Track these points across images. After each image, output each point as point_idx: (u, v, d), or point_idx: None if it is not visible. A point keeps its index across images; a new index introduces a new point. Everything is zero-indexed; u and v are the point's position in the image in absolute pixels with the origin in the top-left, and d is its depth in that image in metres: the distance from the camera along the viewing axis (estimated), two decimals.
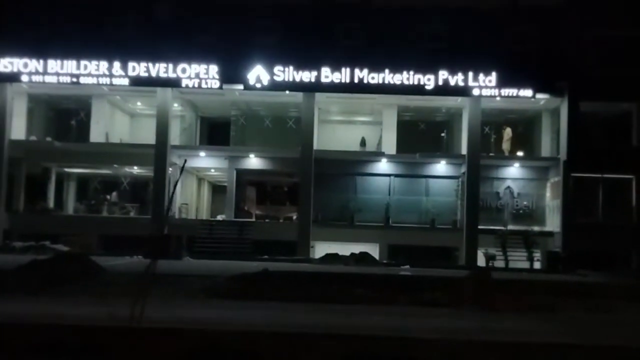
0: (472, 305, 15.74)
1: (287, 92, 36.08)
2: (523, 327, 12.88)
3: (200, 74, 35.26)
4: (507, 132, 38.92)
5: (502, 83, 34.94)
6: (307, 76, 35.26)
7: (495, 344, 9.92)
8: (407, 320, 12.92)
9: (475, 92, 35.05)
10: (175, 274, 20.50)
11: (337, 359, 8.56)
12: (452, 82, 35.04)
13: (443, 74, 34.96)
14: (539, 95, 35.40)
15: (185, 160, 13.23)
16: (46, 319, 10.82)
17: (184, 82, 35.41)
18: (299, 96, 36.36)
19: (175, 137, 38.86)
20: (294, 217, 37.97)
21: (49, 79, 35.51)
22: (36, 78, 35.57)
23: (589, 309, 16.26)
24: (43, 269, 18.56)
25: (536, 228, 36.52)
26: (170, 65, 35.29)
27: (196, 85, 35.46)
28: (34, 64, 35.42)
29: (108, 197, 40.77)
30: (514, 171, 38.04)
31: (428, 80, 35.01)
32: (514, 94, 35.00)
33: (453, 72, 34.93)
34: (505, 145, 38.78)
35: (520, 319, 14.26)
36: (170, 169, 37.26)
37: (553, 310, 16.11)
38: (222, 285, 17.58)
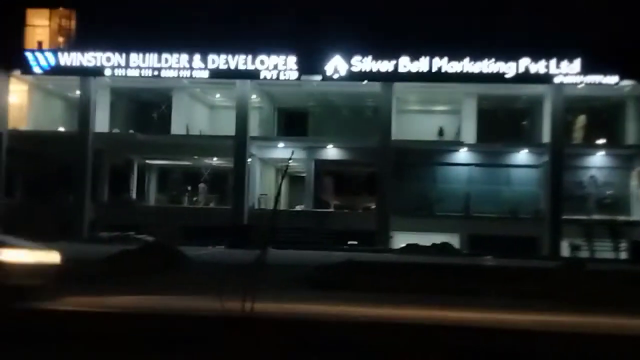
0: (568, 297, 15.25)
1: (365, 82, 35.80)
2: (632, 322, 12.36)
3: (278, 66, 35.29)
4: (581, 120, 37.83)
5: (585, 70, 33.99)
6: (386, 66, 34.94)
7: (610, 337, 9.50)
8: (506, 312, 12.54)
9: (558, 79, 34.19)
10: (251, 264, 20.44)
11: (456, 350, 8.31)
12: (533, 70, 34.28)
13: (524, 62, 34.24)
14: (625, 82, 34.31)
15: (293, 152, 13.14)
16: (153, 309, 10.84)
17: (262, 74, 35.51)
18: (376, 86, 36.04)
19: (254, 128, 38.97)
20: (372, 207, 37.71)
21: (131, 72, 36.06)
22: (119, 72, 36.14)
23: None
24: (133, 258, 18.75)
25: (622, 217, 35.40)
26: (249, 57, 35.41)
27: (275, 77, 35.49)
28: (116, 58, 35.99)
29: (189, 188, 41.16)
30: (597, 159, 36.98)
31: (509, 68, 34.32)
32: (599, 81, 34.01)
33: (535, 59, 34.16)
34: (578, 134, 37.69)
35: (622, 311, 13.71)
36: (249, 159, 37.39)
37: None
38: (311, 275, 17.45)
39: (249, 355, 8.24)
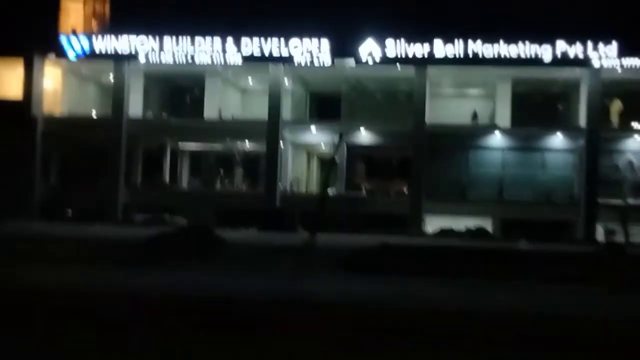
0: (609, 282, 15.04)
1: (399, 66, 35.53)
2: None
3: (311, 50, 35.10)
4: (617, 104, 37.19)
5: (623, 52, 33.43)
6: (419, 49, 34.64)
7: None
8: (551, 299, 12.42)
9: (595, 62, 33.68)
10: (295, 247, 20.44)
11: (513, 337, 8.22)
12: (570, 53, 33.80)
13: (560, 44, 33.75)
14: None
15: (342, 135, 13.01)
16: (205, 292, 10.87)
17: (296, 58, 35.36)
18: (410, 70, 35.73)
19: (286, 112, 38.86)
20: (405, 191, 37.52)
21: (165, 57, 36.07)
22: (152, 56, 36.17)
23: None
24: (170, 241, 18.80)
25: None
26: (282, 41, 35.28)
27: (308, 61, 35.31)
28: (150, 43, 36.04)
29: (222, 171, 41.23)
30: (634, 144, 36.39)
31: (545, 51, 33.86)
32: (636, 65, 33.44)
33: (571, 42, 33.66)
34: (614, 118, 37.09)
35: None
36: (282, 144, 37.31)
37: None
38: (349, 259, 17.37)
39: (305, 336, 8.19)
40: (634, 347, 8.39)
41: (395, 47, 34.64)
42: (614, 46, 33.46)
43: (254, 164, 41.28)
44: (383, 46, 34.70)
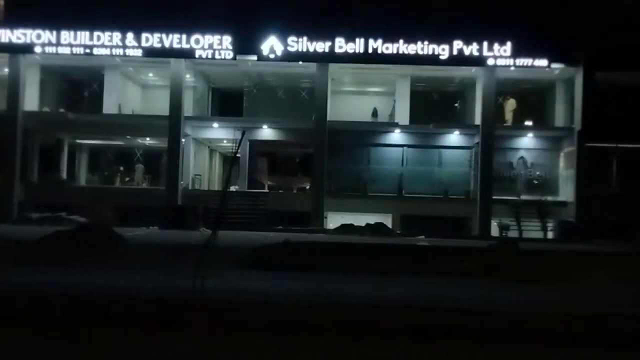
0: (501, 275, 15.57)
1: (301, 62, 35.77)
2: (570, 298, 12.73)
3: (213, 45, 34.91)
4: (511, 103, 38.50)
5: (517, 53, 34.59)
6: (321, 46, 34.91)
7: (548, 316, 9.77)
8: (445, 290, 12.78)
9: (490, 62, 34.71)
10: (197, 245, 20.34)
11: (408, 330, 8.42)
12: (466, 52, 34.69)
13: (458, 44, 34.60)
14: (554, 65, 35.03)
15: (244, 132, 12.94)
16: (97, 291, 10.69)
17: (197, 53, 35.07)
18: (312, 67, 36.02)
19: (188, 108, 38.53)
20: (307, 188, 37.81)
21: (62, 50, 35.19)
22: (49, 49, 35.25)
23: (620, 278, 16.05)
24: (67, 239, 18.36)
25: (549, 198, 36.23)
26: (184, 36, 34.96)
27: (210, 56, 35.09)
28: (47, 35, 35.07)
29: (122, 168, 40.60)
30: (527, 141, 37.76)
31: (442, 50, 34.65)
32: (529, 64, 34.67)
33: (468, 41, 34.57)
34: (508, 116, 38.35)
35: (557, 289, 14.10)
36: (183, 140, 36.99)
37: (581, 279, 15.93)
38: (250, 256, 17.41)
39: (207, 336, 8.20)
40: (518, 336, 8.81)
41: (297, 44, 34.83)
42: (508, 46, 34.54)
43: (155, 160, 40.86)
44: (285, 43, 34.83)
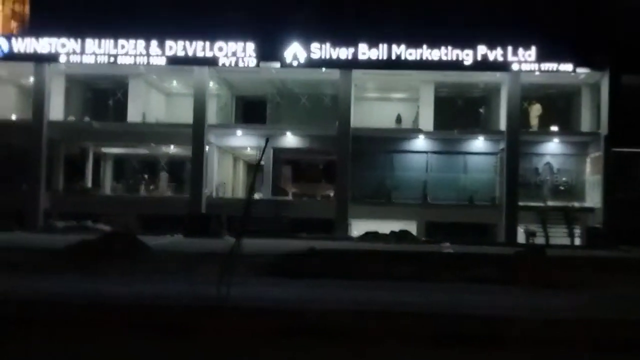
0: (528, 282, 15.43)
1: (324, 69, 35.76)
2: (593, 305, 12.58)
3: (237, 52, 35.01)
4: (536, 108, 38.14)
5: (541, 57, 34.35)
6: (344, 53, 34.88)
7: (575, 322, 9.65)
8: (470, 298, 12.68)
9: (515, 67, 34.51)
10: (222, 253, 20.36)
11: (426, 337, 8.37)
12: (490, 57, 34.52)
13: (482, 49, 34.44)
14: (580, 70, 34.77)
15: (268, 139, 12.93)
16: (122, 299, 10.72)
17: (220, 61, 35.18)
18: (335, 73, 35.96)
19: (211, 116, 38.64)
20: (331, 195, 37.77)
21: (87, 59, 35.43)
22: (74, 58, 35.50)
23: None
24: (93, 248, 18.48)
25: (576, 204, 35.94)
26: (207, 44, 35.07)
27: (233, 64, 35.20)
28: (71, 44, 35.33)
29: (146, 176, 40.79)
30: (553, 147, 37.48)
31: (466, 56, 34.50)
32: (554, 69, 34.45)
33: (492, 46, 34.39)
34: (534, 122, 38.05)
35: (584, 296, 13.95)
36: (207, 147, 37.10)
37: (609, 286, 15.76)
38: (275, 264, 17.40)
39: (233, 342, 8.20)
40: (544, 344, 8.73)
41: (320, 51, 34.83)
42: (532, 51, 34.31)
43: (179, 168, 40.98)
44: (308, 49, 34.84)
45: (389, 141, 37.92)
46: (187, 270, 16.09)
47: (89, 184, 39.55)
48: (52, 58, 35.60)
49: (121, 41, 35.14)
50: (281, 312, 9.21)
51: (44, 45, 35.37)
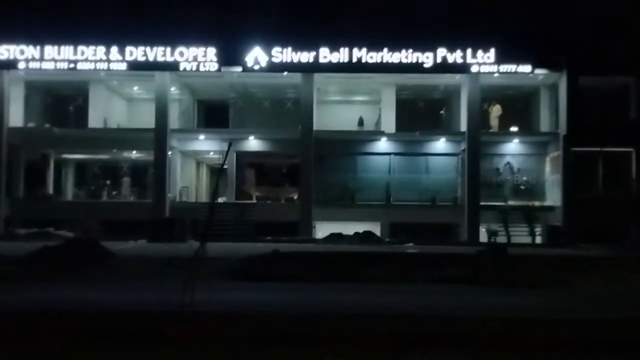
0: (491, 281, 15.59)
1: (286, 73, 35.77)
2: (559, 303, 12.77)
3: (198, 57, 34.89)
4: (496, 109, 38.58)
5: (500, 59, 34.74)
6: (306, 57, 34.93)
7: (538, 320, 9.78)
8: (436, 298, 12.78)
9: (474, 68, 34.84)
10: (186, 257, 20.28)
11: (395, 338, 8.40)
12: (450, 59, 34.80)
13: (442, 52, 34.71)
14: (538, 71, 35.23)
15: (231, 143, 12.84)
16: (85, 306, 10.62)
17: (182, 66, 35.04)
18: (297, 77, 36.02)
19: (173, 120, 38.47)
20: (295, 198, 37.81)
21: (46, 65, 35.06)
22: (33, 65, 35.10)
23: (606, 282, 16.13)
24: (55, 255, 18.28)
25: (536, 203, 36.40)
26: (168, 49, 34.91)
27: (194, 69, 35.08)
28: (30, 51, 34.93)
29: (108, 182, 40.47)
30: (513, 147, 37.90)
31: (427, 58, 34.75)
32: (513, 70, 34.84)
33: (451, 49, 34.69)
34: (494, 122, 38.46)
35: (546, 294, 14.14)
36: (170, 152, 36.93)
37: (572, 284, 15.99)
38: (237, 267, 17.38)
39: (197, 348, 8.17)
40: (504, 342, 8.83)
41: (282, 55, 34.86)
42: (492, 53, 34.67)
43: (141, 173, 40.71)
44: (269, 54, 34.85)
45: (352, 143, 38.07)
46: (151, 276, 16.01)
47: (50, 191, 39.09)
48: (11, 65, 35.18)
49: (81, 47, 34.84)
50: (246, 317, 9.21)
51: (1, 52, 34.93)
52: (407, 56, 34.74)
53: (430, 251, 24.91)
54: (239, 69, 35.31)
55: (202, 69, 35.04)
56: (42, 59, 34.93)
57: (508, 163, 37.68)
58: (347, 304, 11.82)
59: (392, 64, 34.88)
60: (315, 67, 35.16)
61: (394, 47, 34.62)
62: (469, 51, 34.69)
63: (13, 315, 9.50)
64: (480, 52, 34.67)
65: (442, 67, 34.99)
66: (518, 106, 39.79)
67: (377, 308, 10.83)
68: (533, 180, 37.85)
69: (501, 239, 34.51)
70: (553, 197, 36.55)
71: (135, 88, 40.90)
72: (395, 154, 38.06)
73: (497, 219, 34.91)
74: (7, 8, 35.71)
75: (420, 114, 40.43)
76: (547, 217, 35.60)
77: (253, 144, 38.34)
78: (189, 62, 34.94)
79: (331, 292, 13.88)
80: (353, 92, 40.59)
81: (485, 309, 11.29)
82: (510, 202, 36.46)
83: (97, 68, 35.36)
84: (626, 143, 34.72)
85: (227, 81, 38.29)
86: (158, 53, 34.91)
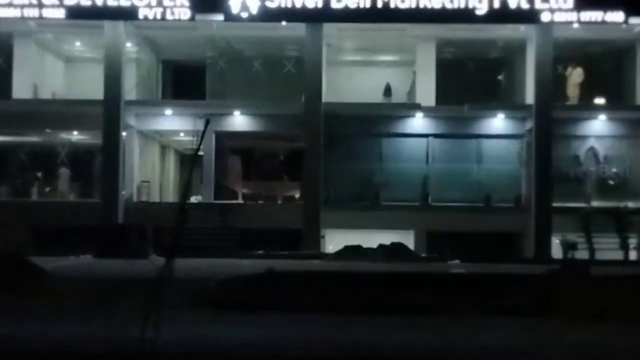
0: (567, 312, 15.56)
1: (284, 23, 35.81)
2: None
3: (163, 1, 34.96)
4: (576, 74, 38.40)
5: (581, 3, 34.65)
6: (312, 1, 34.94)
7: None
8: (494, 337, 12.78)
9: (545, 16, 34.85)
10: (146, 280, 20.32)
11: None
12: (512, 4, 34.76)
13: None
14: (633, 20, 35.13)
15: (208, 121, 12.75)
16: (4, 344, 10.65)
17: (141, 12, 35.19)
18: (300, 28, 36.10)
19: (130, 89, 38.52)
20: (297, 197, 37.90)
21: None
22: None
23: None
24: None
25: (631, 204, 36.32)
26: None
27: (159, 17, 35.23)
28: None
29: (40, 174, 40.56)
30: (598, 126, 37.84)
31: (479, 2, 34.73)
32: (599, 19, 34.77)
33: None
34: (573, 92, 38.32)
35: None
36: (124, 133, 37.00)
37: None
38: (218, 293, 17.38)
39: None
40: None
41: None
42: None
43: (86, 162, 40.81)
44: None
45: (375, 121, 38.10)
46: (98, 305, 16.02)
47: None
48: None
49: None
50: None
51: None
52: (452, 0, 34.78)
53: (483, 271, 24.90)
54: (220, 17, 35.43)
55: (169, 16, 35.18)
56: None
57: (592, 148, 37.62)
58: (360, 344, 11.79)
59: (432, 10, 34.90)
60: (325, 14, 35.22)
61: None
62: None
63: None
64: None
65: (501, 15, 35.04)
66: (606, 70, 39.74)
67: (402, 350, 10.80)
68: (626, 173, 37.81)
69: (582, 253, 34.45)
70: None
71: (77, 44, 41.06)
72: (435, 135, 38.11)
73: (576, 226, 34.85)
74: None
75: (469, 81, 40.38)
76: None
77: (239, 121, 38.41)
78: (152, 7, 35.06)
79: (341, 329, 13.86)
80: (377, 49, 40.70)
81: (565, 352, 11.27)
82: (595, 204, 36.40)
83: (25, 16, 35.47)
84: None
85: (204, 34, 38.48)
86: None
